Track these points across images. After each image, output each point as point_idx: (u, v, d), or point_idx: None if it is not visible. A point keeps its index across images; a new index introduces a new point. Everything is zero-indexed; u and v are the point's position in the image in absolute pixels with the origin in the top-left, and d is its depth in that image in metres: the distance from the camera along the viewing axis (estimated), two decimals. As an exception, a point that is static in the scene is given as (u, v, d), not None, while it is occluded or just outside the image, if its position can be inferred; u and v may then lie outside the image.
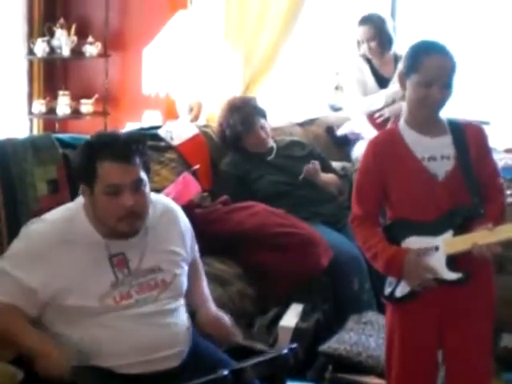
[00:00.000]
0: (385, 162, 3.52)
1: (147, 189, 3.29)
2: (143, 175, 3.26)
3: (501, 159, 5.56)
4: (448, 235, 3.40)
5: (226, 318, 3.52)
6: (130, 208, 3.19)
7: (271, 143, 5.34)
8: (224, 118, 5.38)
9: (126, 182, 3.19)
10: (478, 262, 3.37)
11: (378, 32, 5.82)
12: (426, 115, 3.49)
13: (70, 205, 3.46)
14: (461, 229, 3.39)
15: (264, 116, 5.38)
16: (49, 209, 3.49)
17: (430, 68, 3.41)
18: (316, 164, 5.24)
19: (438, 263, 3.38)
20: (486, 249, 3.30)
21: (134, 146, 3.28)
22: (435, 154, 3.46)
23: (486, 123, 5.39)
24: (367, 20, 5.88)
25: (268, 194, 5.16)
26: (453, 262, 3.37)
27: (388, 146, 3.56)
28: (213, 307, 3.58)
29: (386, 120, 5.65)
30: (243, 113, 5.33)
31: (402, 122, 3.58)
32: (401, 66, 3.60)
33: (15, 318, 3.19)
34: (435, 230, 3.42)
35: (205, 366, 3.05)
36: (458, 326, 3.53)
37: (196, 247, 3.70)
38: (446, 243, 3.39)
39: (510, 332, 4.81)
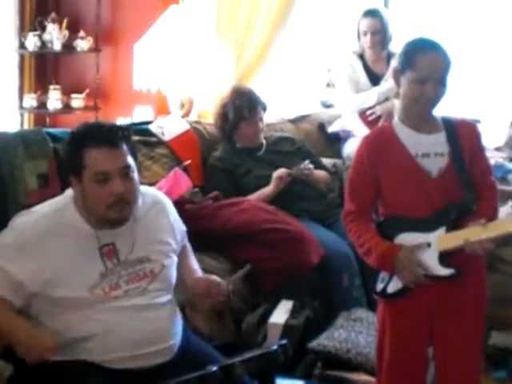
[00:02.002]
0: (378, 159, 3.53)
1: (135, 175, 3.30)
2: (131, 161, 3.28)
3: (491, 157, 5.57)
4: (441, 232, 3.41)
5: (214, 276, 3.57)
6: (120, 195, 3.21)
7: (262, 139, 5.33)
8: (230, 99, 5.36)
9: (114, 168, 3.20)
10: (471, 259, 3.39)
11: (383, 26, 5.83)
12: (420, 112, 3.50)
13: (59, 197, 3.45)
14: (454, 225, 3.40)
15: (264, 109, 5.40)
16: (38, 203, 3.48)
17: (425, 65, 3.42)
18: (311, 169, 5.22)
19: (430, 259, 3.39)
20: (478, 245, 3.32)
21: (119, 131, 3.31)
22: (429, 150, 3.47)
23: (477, 121, 5.40)
24: (375, 13, 5.88)
25: (256, 189, 5.15)
26: (445, 258, 3.38)
27: (381, 142, 3.57)
28: (199, 272, 3.65)
29: (378, 118, 5.65)
30: (251, 98, 5.36)
31: (396, 119, 3.59)
32: (395, 63, 3.60)
33: (2, 308, 3.19)
34: (428, 226, 3.43)
35: (195, 362, 3.04)
36: (449, 322, 3.54)
37: (186, 239, 3.70)
38: (439, 240, 3.40)
39: (499, 330, 4.81)
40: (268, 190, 5.10)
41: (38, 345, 3.07)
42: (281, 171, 5.09)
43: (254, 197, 5.09)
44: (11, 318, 3.19)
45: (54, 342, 3.08)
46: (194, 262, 3.71)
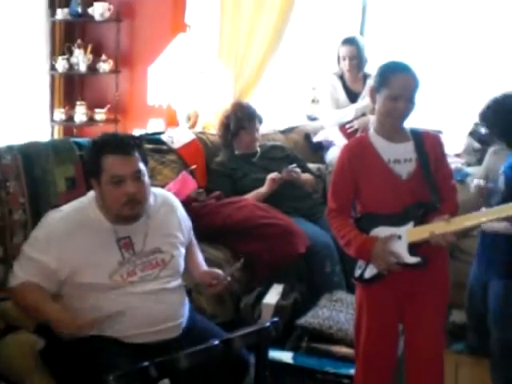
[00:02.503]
0: (356, 164, 3.53)
1: (146, 178, 3.33)
2: (142, 166, 3.30)
3: (452, 163, 5.55)
4: (410, 226, 3.42)
5: (216, 270, 3.60)
6: (132, 195, 3.23)
7: (257, 147, 5.32)
8: (232, 111, 5.35)
9: (127, 172, 3.23)
10: (435, 249, 3.40)
11: (359, 52, 5.81)
12: (392, 124, 3.51)
13: (82, 198, 3.46)
14: (420, 221, 3.41)
15: (260, 122, 5.39)
16: (67, 203, 3.48)
17: (397, 85, 3.43)
18: (298, 172, 5.20)
19: (400, 249, 3.39)
20: (441, 238, 3.34)
21: (131, 141, 3.34)
22: (399, 157, 3.49)
23: (440, 132, 5.38)
24: (352, 41, 5.86)
25: (252, 190, 5.13)
26: (413, 248, 3.39)
27: (359, 150, 3.57)
28: (205, 267, 3.66)
29: (355, 131, 5.63)
30: (250, 111, 5.35)
31: (371, 131, 3.60)
32: (371, 83, 3.60)
33: (37, 293, 3.20)
34: (399, 221, 3.43)
35: (200, 337, 3.03)
36: (417, 303, 3.55)
37: (192, 233, 3.69)
38: (408, 233, 3.41)
39: (458, 309, 4.79)
40: (262, 190, 5.08)
41: (68, 323, 3.08)
42: (274, 175, 5.08)
43: (250, 196, 5.07)
44: (46, 301, 3.20)
45: (79, 326, 3.09)
46: (199, 256, 3.71)
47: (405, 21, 6.53)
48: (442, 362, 3.62)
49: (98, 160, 3.25)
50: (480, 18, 5.92)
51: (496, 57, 5.95)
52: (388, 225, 3.43)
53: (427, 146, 3.52)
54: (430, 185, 3.45)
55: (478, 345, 4.74)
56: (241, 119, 5.29)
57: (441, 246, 3.39)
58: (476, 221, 3.50)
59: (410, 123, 3.57)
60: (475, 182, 4.41)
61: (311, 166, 5.53)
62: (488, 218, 3.55)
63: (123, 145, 3.28)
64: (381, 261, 3.41)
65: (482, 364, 4.58)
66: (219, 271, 3.60)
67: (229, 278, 3.59)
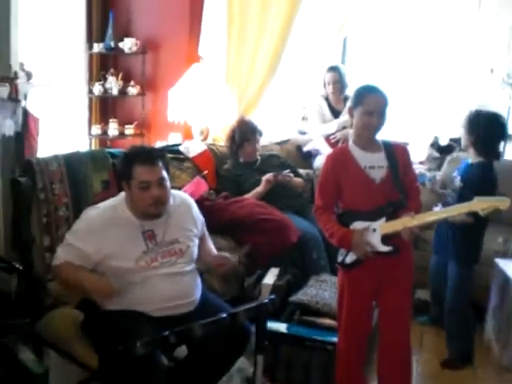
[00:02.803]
0: (338, 169, 3.53)
1: (168, 184, 3.34)
2: (164, 174, 3.32)
3: (416, 169, 5.53)
4: (382, 221, 3.42)
5: (226, 253, 3.62)
6: (157, 198, 3.26)
7: (258, 156, 5.30)
8: (238, 126, 5.34)
9: (153, 179, 3.25)
10: (403, 240, 3.40)
11: (341, 78, 5.80)
12: (367, 136, 3.50)
13: (115, 198, 3.47)
14: (391, 217, 3.41)
15: (261, 135, 5.38)
16: (102, 201, 3.49)
17: (370, 103, 3.43)
18: (291, 176, 5.20)
19: (375, 240, 3.40)
20: (409, 230, 3.35)
21: (156, 153, 3.38)
22: (373, 164, 3.48)
23: (407, 143, 5.38)
24: (335, 69, 5.85)
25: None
26: (386, 239, 3.39)
27: (341, 158, 3.57)
28: (216, 252, 3.66)
29: (338, 141, 5.62)
30: (252, 127, 5.34)
31: (350, 142, 3.58)
32: (349, 103, 3.60)
33: (75, 268, 3.24)
34: (373, 217, 3.43)
35: (211, 311, 3.01)
36: (389, 284, 3.55)
37: (205, 227, 3.68)
38: (381, 226, 3.41)
39: (421, 288, 4.80)
40: (259, 189, 5.08)
41: (103, 285, 3.15)
42: (268, 175, 5.08)
43: (250, 195, 5.06)
44: (83, 271, 3.23)
45: (112, 287, 3.14)
46: (210, 244, 3.70)
47: (378, 51, 6.53)
48: (409, 331, 3.63)
49: (129, 169, 3.27)
50: (440, 51, 5.92)
51: (451, 82, 5.95)
52: (364, 220, 3.43)
53: (397, 155, 3.52)
54: (399, 187, 3.45)
55: (438, 317, 4.75)
56: (244, 133, 5.28)
57: (408, 237, 3.40)
58: (436, 217, 3.57)
59: (382, 136, 3.58)
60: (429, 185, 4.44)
61: (302, 171, 5.51)
62: (446, 215, 3.58)
63: (150, 156, 3.30)
64: (359, 249, 3.42)
65: (441, 333, 4.59)
66: (228, 255, 3.61)
67: (235, 261, 3.62)
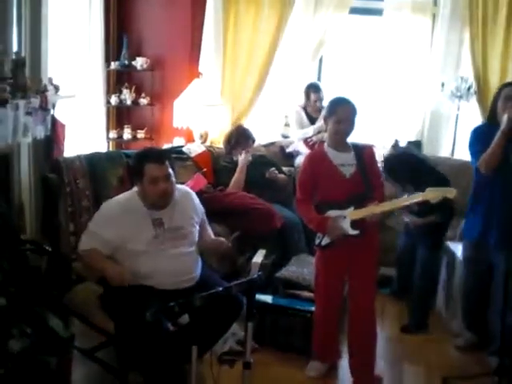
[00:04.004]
0: (315, 167, 3.54)
1: (173, 179, 3.34)
2: (170, 171, 3.32)
3: (380, 167, 5.54)
4: (351, 209, 3.43)
5: (222, 238, 3.65)
6: (164, 190, 3.27)
7: (249, 157, 5.26)
8: (236, 131, 5.36)
9: (161, 175, 3.26)
10: (369, 224, 3.44)
11: (322, 96, 5.77)
12: (338, 140, 3.52)
13: (129, 191, 3.46)
14: (359, 206, 3.42)
15: (254, 142, 5.36)
16: (118, 194, 3.49)
17: (341, 112, 3.45)
18: (276, 173, 5.24)
19: (345, 225, 3.42)
20: (373, 216, 3.40)
21: (164, 154, 3.43)
22: (344, 162, 3.50)
23: (373, 145, 5.37)
24: (318, 87, 5.82)
25: (245, 185, 5.10)
26: (354, 224, 3.41)
27: (317, 157, 3.59)
28: (213, 236, 3.66)
29: (314, 143, 5.60)
30: (247, 133, 5.33)
31: (325, 144, 3.59)
32: (324, 112, 3.61)
33: (96, 254, 3.25)
34: (344, 206, 3.44)
35: (209, 285, 3.00)
36: (357, 261, 3.57)
37: (204, 215, 3.66)
38: (350, 214, 3.42)
39: (385, 266, 4.80)
40: (235, 177, 5.08)
41: (118, 275, 3.13)
42: (243, 157, 5.12)
43: (231, 185, 5.06)
44: (103, 259, 3.24)
45: (127, 275, 3.13)
46: (209, 230, 3.68)
47: (348, 69, 6.53)
48: (374, 299, 3.66)
49: (141, 166, 3.28)
50: (399, 67, 5.91)
51: (409, 94, 5.95)
52: (337, 208, 3.44)
53: (364, 154, 3.54)
54: (365, 182, 3.47)
55: (398, 290, 4.78)
56: (239, 138, 5.27)
57: (373, 222, 3.43)
58: (395, 205, 3.57)
59: (353, 139, 3.59)
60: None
61: (285, 168, 5.49)
62: (403, 203, 3.59)
63: (158, 156, 3.31)
64: (332, 233, 3.44)
65: (400, 304, 4.62)
66: (224, 239, 3.63)
67: (228, 243, 3.63)
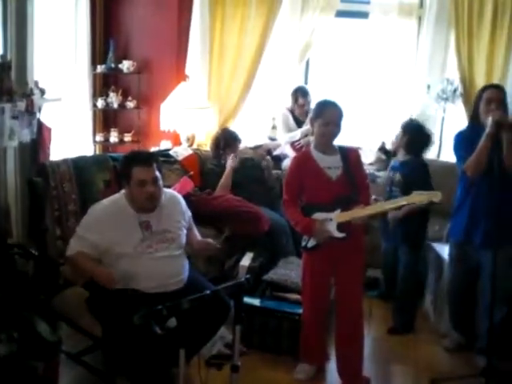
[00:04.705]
0: (302, 169, 3.56)
1: (161, 182, 3.35)
2: (158, 174, 3.32)
3: (366, 169, 5.54)
4: (337, 212, 3.44)
5: (209, 239, 3.62)
6: (152, 193, 3.27)
7: (237, 161, 5.26)
8: (222, 134, 5.35)
9: (148, 178, 3.27)
10: (355, 227, 3.44)
11: (310, 99, 5.76)
12: (325, 143, 3.53)
13: (116, 195, 3.46)
14: (345, 208, 3.43)
15: (240, 143, 5.37)
16: (105, 198, 3.50)
17: (328, 115, 3.46)
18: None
19: (331, 228, 3.43)
20: (359, 219, 3.40)
21: (151, 157, 3.39)
22: (330, 165, 3.51)
23: (359, 148, 5.40)
24: (305, 91, 5.82)
25: (232, 188, 5.11)
26: (340, 226, 3.42)
27: (304, 160, 3.60)
28: (200, 237, 3.65)
29: (301, 146, 5.61)
30: (234, 135, 5.34)
31: (311, 147, 3.61)
32: (310, 115, 3.63)
33: (84, 257, 3.24)
34: (330, 208, 3.45)
35: (196, 289, 2.99)
36: (344, 263, 3.58)
37: (191, 219, 3.67)
38: (336, 216, 3.43)
39: (372, 268, 4.83)
40: (221, 181, 5.08)
41: (107, 276, 3.13)
42: (230, 161, 5.13)
43: (219, 187, 5.06)
44: (91, 262, 3.23)
45: (115, 277, 3.13)
46: (196, 233, 3.68)
47: (335, 71, 6.56)
48: (361, 303, 3.66)
49: (129, 169, 3.28)
50: (386, 70, 5.95)
51: (396, 96, 5.98)
52: (323, 211, 3.45)
53: (350, 157, 3.54)
54: (351, 184, 3.48)
55: (385, 292, 4.80)
56: (227, 140, 5.27)
57: (359, 225, 3.44)
58: (382, 208, 3.59)
59: (340, 141, 3.61)
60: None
61: (272, 171, 5.55)
62: (389, 206, 3.62)
63: (146, 159, 3.31)
64: (319, 235, 3.45)
65: (387, 306, 4.64)
66: (211, 241, 3.61)
67: (216, 244, 3.61)
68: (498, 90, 3.81)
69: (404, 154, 4.36)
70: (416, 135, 4.36)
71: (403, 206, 3.47)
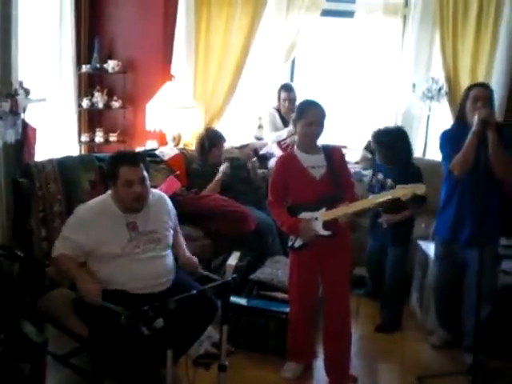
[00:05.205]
0: (286, 170, 3.56)
1: (148, 182, 3.34)
2: (145, 174, 3.31)
3: (353, 167, 5.60)
4: (323, 210, 3.45)
5: (194, 259, 3.54)
6: (139, 194, 3.26)
7: (222, 159, 5.30)
8: (206, 134, 5.33)
9: (135, 178, 3.25)
10: (340, 225, 3.46)
11: (294, 96, 5.78)
12: (308, 143, 3.54)
13: (103, 195, 3.45)
14: (330, 207, 3.44)
15: (225, 141, 5.38)
16: (90, 199, 3.49)
17: (310, 115, 3.48)
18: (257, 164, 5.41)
19: (317, 226, 3.44)
20: (345, 217, 3.42)
21: (138, 157, 3.38)
22: (314, 164, 3.52)
23: (345, 147, 5.43)
24: (291, 88, 5.85)
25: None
26: (326, 225, 3.43)
27: (288, 160, 3.60)
28: (187, 253, 3.58)
29: (288, 146, 5.62)
30: (218, 135, 5.35)
31: (295, 147, 3.63)
32: (293, 115, 3.63)
33: (70, 262, 3.22)
34: (315, 208, 3.46)
35: (183, 289, 3.01)
36: (330, 262, 3.58)
37: (177, 220, 3.65)
38: (322, 215, 3.44)
39: (358, 266, 4.84)
40: (211, 186, 5.07)
41: (87, 293, 3.07)
42: (223, 168, 5.16)
43: (212, 185, 5.07)
44: (75, 268, 3.21)
45: (96, 292, 3.07)
46: (181, 238, 3.67)
47: (321, 70, 6.58)
48: (349, 299, 3.67)
49: (115, 169, 3.27)
50: (371, 69, 5.97)
51: (382, 95, 6.01)
52: (309, 210, 3.46)
53: (333, 156, 3.55)
54: (336, 183, 3.49)
55: (372, 290, 4.81)
56: (212, 139, 5.27)
57: (345, 222, 3.45)
58: (367, 204, 3.56)
59: (326, 140, 3.62)
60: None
61: (258, 171, 5.55)
62: (374, 201, 3.60)
63: (133, 159, 3.30)
64: (305, 234, 3.47)
65: (374, 304, 4.65)
66: (195, 260, 3.54)
67: (200, 268, 3.56)
68: (485, 88, 3.83)
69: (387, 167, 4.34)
70: (393, 145, 4.29)
71: (388, 200, 3.44)
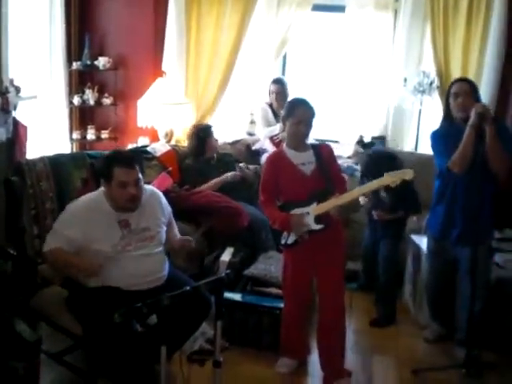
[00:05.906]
0: (277, 168, 3.57)
1: (142, 184, 3.33)
2: (140, 175, 3.30)
3: (345, 162, 5.61)
4: (314, 205, 3.46)
5: (187, 236, 3.61)
6: (133, 195, 3.26)
7: (214, 154, 5.28)
8: (196, 131, 5.29)
9: (130, 180, 3.24)
10: (332, 218, 3.47)
11: (284, 89, 5.76)
12: (297, 141, 3.55)
13: (95, 192, 3.43)
14: (321, 200, 3.44)
15: (213, 128, 5.34)
16: (81, 196, 3.47)
17: (299, 114, 3.48)
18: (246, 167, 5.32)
19: (309, 221, 3.45)
20: (335, 209, 3.41)
21: (134, 157, 3.36)
22: (304, 161, 3.53)
23: (337, 141, 5.43)
24: (280, 81, 5.82)
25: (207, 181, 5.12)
26: (318, 219, 3.44)
27: (278, 158, 3.61)
28: (179, 235, 3.66)
29: (280, 141, 5.59)
30: (206, 125, 5.36)
31: (284, 145, 3.63)
32: (282, 113, 3.63)
33: (62, 252, 3.21)
34: (307, 203, 3.47)
35: (176, 285, 2.99)
36: (324, 257, 3.59)
37: (171, 215, 3.66)
38: (313, 209, 3.45)
39: (352, 261, 4.84)
40: (209, 184, 5.06)
41: (87, 266, 3.15)
42: (235, 173, 5.17)
43: (207, 185, 5.04)
44: (69, 255, 3.21)
45: (96, 265, 3.13)
46: (175, 230, 3.69)
47: (313, 65, 6.57)
48: (343, 295, 3.67)
49: (110, 169, 3.25)
50: (363, 64, 5.97)
51: (373, 90, 6.01)
52: (300, 206, 3.47)
53: (322, 152, 3.57)
54: (326, 178, 3.49)
55: (366, 284, 4.82)
56: (206, 131, 5.24)
57: (336, 216, 3.45)
58: (356, 194, 3.55)
59: (318, 136, 3.62)
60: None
61: (251, 166, 5.52)
62: (363, 191, 3.65)
63: (128, 160, 3.29)
64: (297, 230, 3.47)
65: (368, 298, 4.67)
66: (189, 237, 3.62)
67: (194, 241, 3.62)
68: (464, 82, 3.81)
69: None
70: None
71: (377, 188, 3.45)
